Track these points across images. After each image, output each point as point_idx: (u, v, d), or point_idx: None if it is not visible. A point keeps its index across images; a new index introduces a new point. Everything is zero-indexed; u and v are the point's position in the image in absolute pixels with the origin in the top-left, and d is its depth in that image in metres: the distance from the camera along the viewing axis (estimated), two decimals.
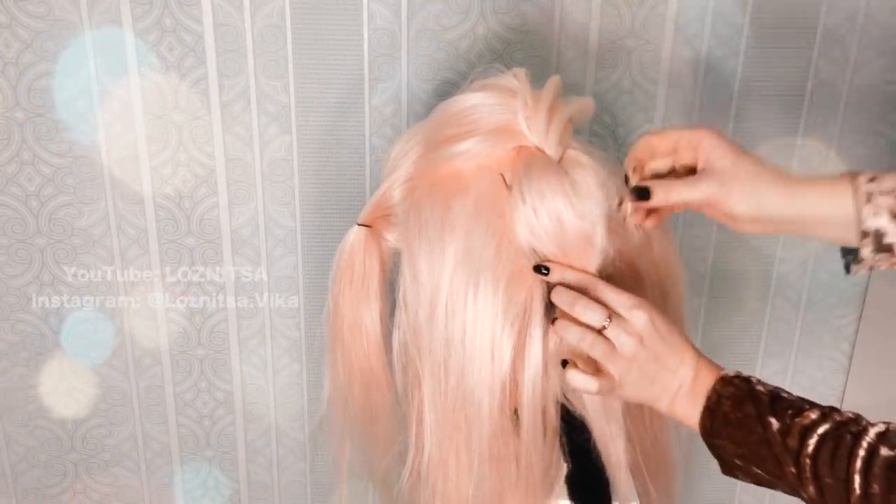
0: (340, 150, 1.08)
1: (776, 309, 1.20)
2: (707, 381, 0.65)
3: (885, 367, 1.22)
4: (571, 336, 0.67)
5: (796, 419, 0.60)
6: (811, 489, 0.59)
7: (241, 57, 1.02)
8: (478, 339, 0.67)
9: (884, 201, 0.63)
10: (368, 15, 1.01)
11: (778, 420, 0.61)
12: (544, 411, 0.71)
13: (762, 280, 1.19)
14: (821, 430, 0.59)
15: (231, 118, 1.05)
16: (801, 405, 0.61)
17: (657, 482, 0.82)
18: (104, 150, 1.06)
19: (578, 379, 0.67)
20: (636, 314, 0.65)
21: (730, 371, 0.66)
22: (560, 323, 0.68)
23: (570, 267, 0.68)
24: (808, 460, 0.59)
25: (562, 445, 0.74)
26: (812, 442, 0.59)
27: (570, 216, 0.67)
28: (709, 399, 0.64)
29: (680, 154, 0.71)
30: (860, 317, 1.21)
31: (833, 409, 0.61)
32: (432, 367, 0.70)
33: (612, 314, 0.66)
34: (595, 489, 0.75)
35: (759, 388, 0.63)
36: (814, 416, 0.60)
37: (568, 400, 0.72)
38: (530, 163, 0.67)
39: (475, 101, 0.70)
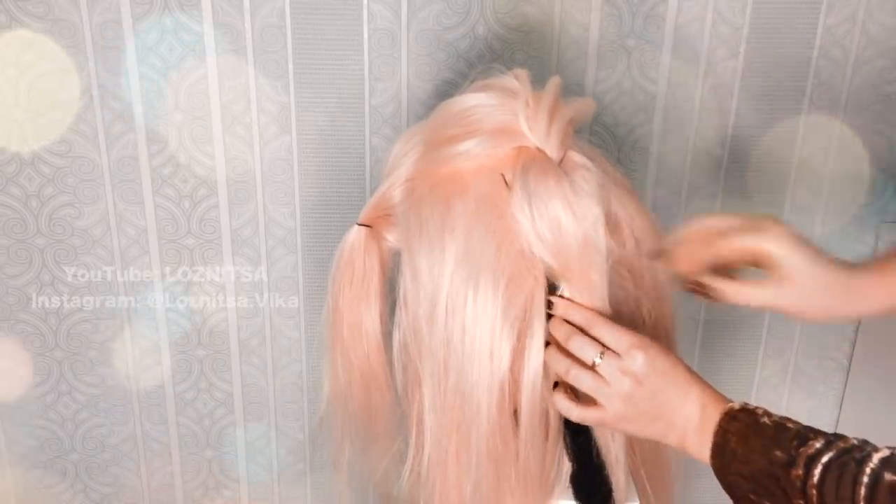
0: (340, 150, 1.08)
1: None
2: (714, 417, 0.65)
3: (885, 367, 1.22)
4: (558, 367, 0.68)
5: (801, 449, 0.60)
6: None
7: (241, 57, 1.02)
8: (477, 339, 0.67)
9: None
10: (368, 15, 1.01)
11: (783, 452, 0.61)
12: (544, 412, 0.71)
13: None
14: (825, 458, 0.59)
15: (231, 118, 1.05)
16: (806, 434, 0.61)
17: (655, 484, 0.82)
18: (104, 150, 1.06)
19: (561, 403, 0.69)
20: (634, 354, 0.66)
21: (735, 404, 0.65)
22: (549, 351, 0.69)
23: (575, 303, 0.68)
24: (813, 490, 0.58)
25: (566, 446, 0.74)
26: (817, 472, 0.58)
27: (570, 218, 0.67)
28: (716, 435, 0.64)
29: (736, 239, 0.72)
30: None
31: (839, 437, 0.60)
32: (432, 366, 0.70)
33: (606, 352, 0.66)
34: (599, 489, 0.75)
35: (765, 419, 0.63)
36: (818, 444, 0.60)
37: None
38: (531, 164, 0.67)
39: (476, 102, 0.69)
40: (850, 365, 1.24)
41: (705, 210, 1.14)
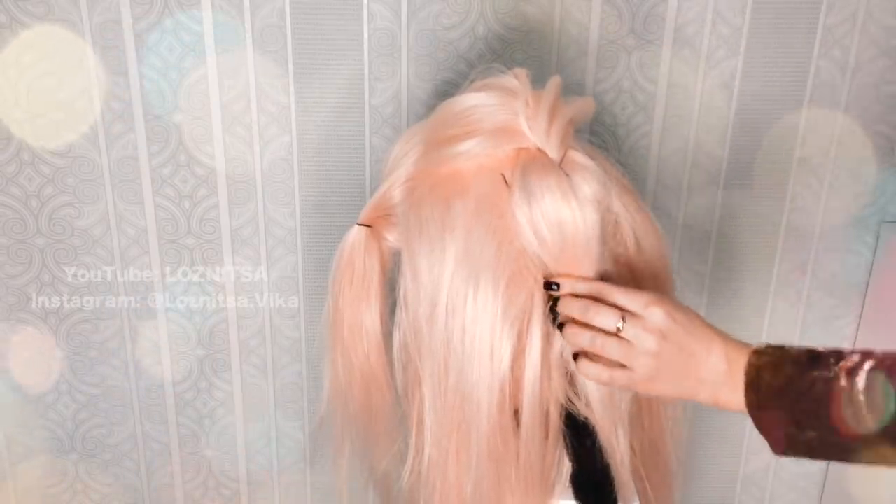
0: (340, 150, 1.08)
1: (776, 309, 1.20)
2: (740, 360, 0.64)
3: None
4: (583, 340, 0.67)
5: (840, 363, 0.60)
6: (870, 423, 0.58)
7: (241, 57, 1.02)
8: (477, 339, 0.67)
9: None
10: (368, 15, 1.01)
11: (821, 370, 0.60)
12: (545, 412, 0.71)
13: (762, 280, 1.19)
14: (867, 366, 0.58)
15: (231, 118, 1.05)
16: (840, 352, 0.61)
17: (655, 484, 0.82)
18: (104, 150, 1.06)
19: (589, 370, 0.68)
20: (653, 310, 0.65)
21: (760, 344, 0.65)
22: (569, 329, 0.68)
23: (579, 277, 0.68)
24: (861, 396, 0.58)
25: (566, 446, 0.74)
26: (861, 379, 0.58)
27: (569, 218, 0.67)
28: (747, 374, 0.64)
29: None
30: (860, 317, 1.21)
31: (871, 351, 0.60)
32: (432, 366, 0.70)
33: (626, 315, 0.66)
34: (601, 490, 0.75)
35: (792, 349, 0.63)
36: (856, 357, 0.60)
37: (571, 402, 0.72)
38: (531, 164, 0.67)
39: (476, 102, 0.69)
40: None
41: (705, 210, 1.14)
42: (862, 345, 1.22)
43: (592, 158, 0.70)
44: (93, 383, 1.19)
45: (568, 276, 0.68)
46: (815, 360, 0.61)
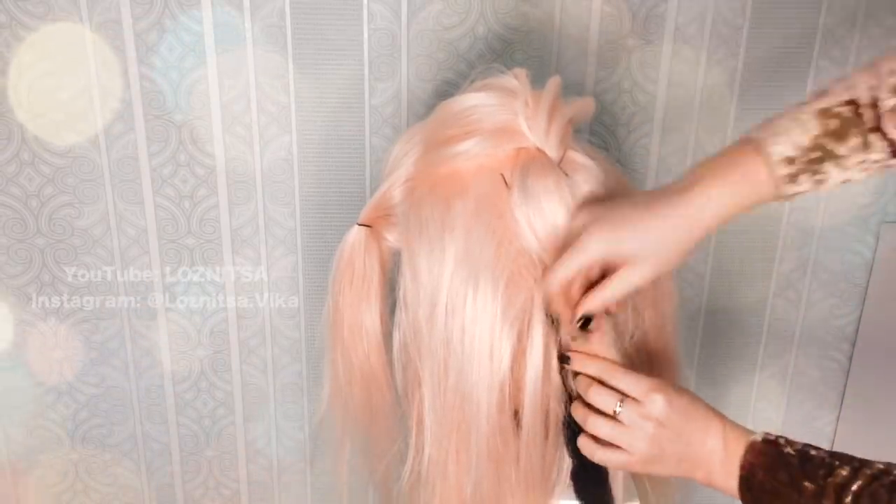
0: (340, 150, 1.08)
1: (776, 309, 1.20)
2: (737, 451, 0.65)
3: (885, 367, 1.22)
4: (578, 417, 0.69)
5: (829, 479, 0.61)
6: None
7: (241, 57, 1.02)
8: (477, 340, 0.67)
9: (804, 178, 0.64)
10: (368, 15, 1.01)
11: (811, 482, 0.61)
12: (545, 412, 0.71)
13: (762, 280, 1.19)
14: (854, 486, 0.59)
15: (231, 118, 1.05)
16: (832, 463, 0.62)
17: (654, 483, 0.82)
18: (104, 150, 1.06)
19: (585, 445, 0.70)
20: (653, 398, 0.66)
21: (757, 435, 0.66)
22: (574, 405, 0.70)
23: (590, 356, 0.69)
24: None
25: (566, 444, 0.74)
26: (848, 500, 0.59)
27: (568, 219, 0.67)
28: (742, 469, 0.65)
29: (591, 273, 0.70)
30: (860, 317, 1.21)
31: (864, 463, 0.61)
32: (432, 366, 0.70)
33: (625, 399, 0.67)
34: (600, 486, 0.75)
35: (788, 450, 0.64)
36: (845, 472, 0.60)
37: (570, 402, 0.72)
38: (530, 164, 0.67)
39: (476, 102, 0.69)
40: (850, 365, 1.24)
41: None
42: (862, 345, 1.22)
43: (592, 158, 0.71)
44: (93, 383, 1.19)
45: (583, 353, 0.70)
46: (806, 464, 0.62)
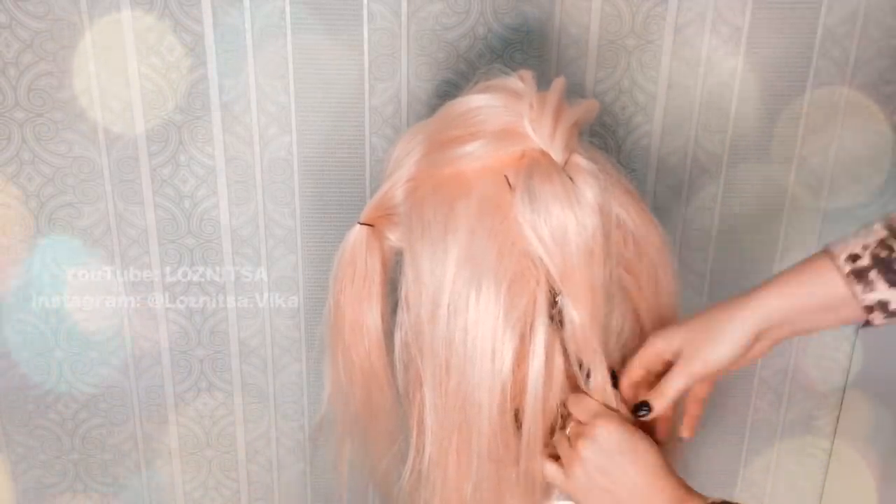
0: (340, 150, 1.08)
1: None
2: None
3: (884, 367, 1.22)
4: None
5: None
6: None
7: (241, 57, 1.02)
8: (478, 341, 0.67)
9: (874, 275, 0.64)
10: (368, 15, 1.01)
11: None
12: (547, 414, 0.71)
13: (763, 280, 1.19)
14: None
15: (231, 118, 1.05)
16: None
17: None
18: (104, 150, 1.06)
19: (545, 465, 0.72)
20: (594, 423, 0.68)
21: None
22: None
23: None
24: None
25: None
26: None
27: (572, 222, 0.66)
28: None
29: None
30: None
31: None
32: (433, 367, 0.70)
33: (572, 419, 0.69)
34: None
35: None
36: None
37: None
38: (534, 167, 0.67)
39: (480, 103, 0.69)
40: (850, 365, 1.24)
41: (705, 210, 1.14)
42: (862, 344, 1.22)
43: (594, 161, 0.70)
44: (93, 383, 1.19)
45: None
46: None
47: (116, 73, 1.02)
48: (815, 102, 1.08)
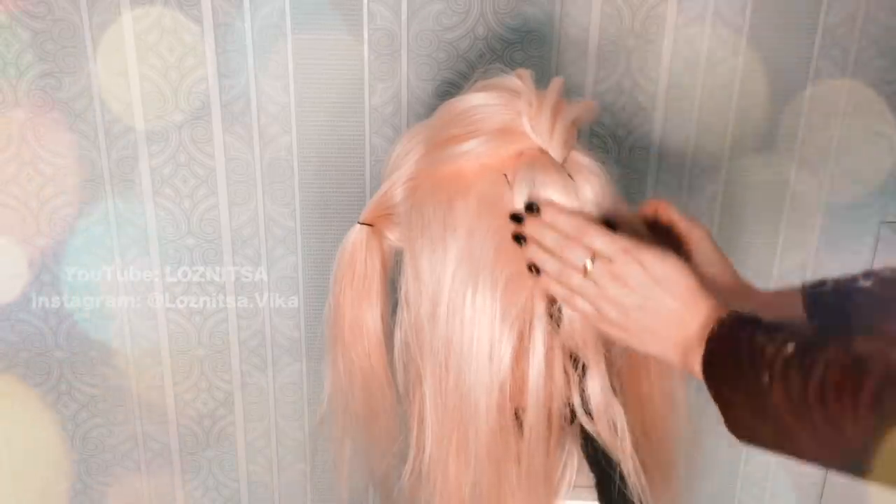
0: (340, 150, 1.08)
1: None
2: (706, 330, 0.61)
3: None
4: (548, 266, 0.66)
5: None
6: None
7: (241, 57, 1.02)
8: (476, 340, 0.67)
9: None
10: (368, 15, 1.01)
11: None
12: (548, 412, 0.71)
13: (762, 280, 1.19)
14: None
15: (231, 118, 1.05)
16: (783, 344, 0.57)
17: (656, 483, 0.82)
18: (104, 150, 1.06)
19: (558, 289, 0.66)
20: (624, 259, 0.63)
21: (724, 315, 0.61)
22: (534, 250, 0.66)
23: (564, 209, 0.66)
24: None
25: (586, 456, 0.74)
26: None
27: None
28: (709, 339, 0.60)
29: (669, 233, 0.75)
30: None
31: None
32: (433, 366, 0.70)
33: (597, 257, 0.64)
34: (622, 495, 0.74)
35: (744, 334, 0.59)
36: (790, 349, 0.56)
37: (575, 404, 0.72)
38: (533, 165, 0.67)
39: (479, 102, 0.69)
40: None
41: (705, 210, 1.14)
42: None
43: (594, 161, 0.70)
44: (93, 383, 1.19)
45: (557, 206, 0.66)
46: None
47: (116, 73, 1.02)
48: (814, 102, 1.08)
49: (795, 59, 1.06)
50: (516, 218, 0.67)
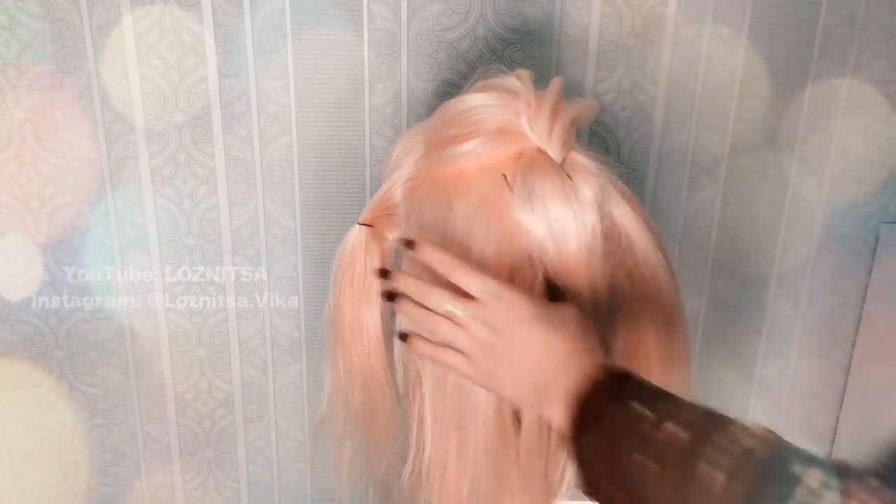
0: (340, 150, 1.08)
1: (776, 309, 1.20)
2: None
3: (885, 367, 1.22)
4: (413, 315, 0.65)
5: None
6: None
7: (241, 57, 1.02)
8: None
9: None
10: (368, 15, 1.01)
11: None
12: None
13: (762, 280, 1.19)
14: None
15: (231, 118, 1.05)
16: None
17: None
18: (104, 150, 1.06)
19: (423, 347, 0.65)
20: (493, 301, 0.62)
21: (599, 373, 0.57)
22: (404, 304, 0.66)
23: (435, 250, 0.66)
24: None
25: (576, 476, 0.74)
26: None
27: (570, 220, 0.66)
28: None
29: None
30: (860, 317, 1.21)
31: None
32: (433, 366, 0.70)
33: (462, 299, 0.63)
34: None
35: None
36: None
37: None
38: (532, 165, 0.67)
39: (478, 102, 0.69)
40: (850, 365, 1.24)
41: (705, 210, 1.14)
42: (862, 344, 1.22)
43: (594, 161, 0.70)
44: (93, 383, 1.19)
45: (427, 247, 0.66)
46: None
47: (116, 73, 1.02)
48: (814, 102, 1.08)
49: (795, 59, 1.06)
50: (384, 273, 0.67)
